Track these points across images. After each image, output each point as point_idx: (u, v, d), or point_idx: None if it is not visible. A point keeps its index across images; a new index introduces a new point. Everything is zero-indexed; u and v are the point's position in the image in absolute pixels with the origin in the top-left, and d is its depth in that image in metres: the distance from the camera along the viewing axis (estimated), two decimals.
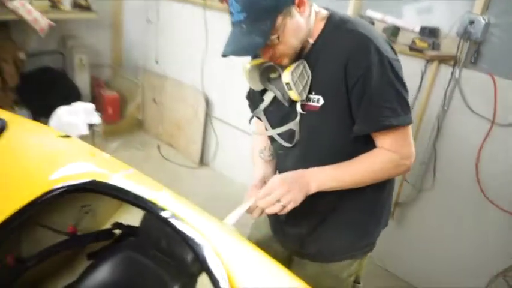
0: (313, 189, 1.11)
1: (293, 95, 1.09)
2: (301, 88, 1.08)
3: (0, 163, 1.26)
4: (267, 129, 1.26)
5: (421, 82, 2.15)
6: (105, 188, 1.15)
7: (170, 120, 3.75)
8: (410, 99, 2.11)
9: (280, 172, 1.29)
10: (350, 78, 1.04)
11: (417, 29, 2.12)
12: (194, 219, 1.08)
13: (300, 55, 1.11)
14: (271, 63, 1.14)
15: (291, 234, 1.32)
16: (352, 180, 1.13)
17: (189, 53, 3.38)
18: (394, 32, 2.21)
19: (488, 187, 2.04)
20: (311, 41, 1.10)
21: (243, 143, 3.04)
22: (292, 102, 1.14)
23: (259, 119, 1.30)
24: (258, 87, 1.20)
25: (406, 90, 1.09)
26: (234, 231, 1.11)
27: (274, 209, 1.08)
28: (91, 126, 1.71)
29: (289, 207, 1.08)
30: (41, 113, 3.41)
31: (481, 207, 2.06)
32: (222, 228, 1.10)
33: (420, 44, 2.07)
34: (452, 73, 2.02)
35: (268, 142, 1.34)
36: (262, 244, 1.37)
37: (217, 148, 3.46)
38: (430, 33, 2.06)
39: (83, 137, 1.69)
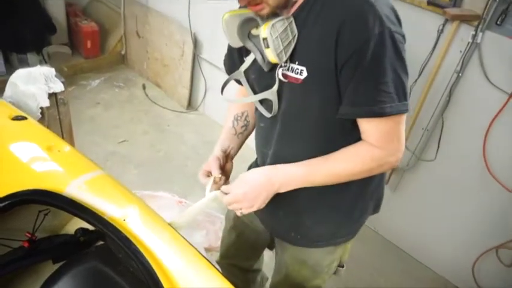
0: (281, 191, 1.00)
1: (270, 54, 0.89)
2: (282, 48, 0.89)
3: None
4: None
5: (436, 42, 1.88)
6: (59, 202, 0.98)
7: (155, 57, 3.44)
8: (420, 60, 1.94)
9: (259, 150, 1.17)
10: (341, 52, 0.85)
11: None
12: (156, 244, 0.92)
13: (287, 11, 0.92)
14: (253, 15, 0.94)
15: (270, 216, 1.21)
16: (325, 181, 0.99)
17: None
18: None
19: (494, 164, 1.88)
20: None
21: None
22: (273, 68, 0.96)
23: (238, 82, 1.14)
24: (236, 43, 1.00)
25: (406, 73, 0.89)
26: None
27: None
28: (53, 94, 1.46)
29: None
30: (10, 46, 3.10)
31: (484, 184, 1.93)
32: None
33: None
34: (474, 36, 1.75)
35: (247, 109, 1.21)
36: (241, 221, 1.36)
37: (206, 91, 3.21)
38: None
39: (45, 109, 1.44)
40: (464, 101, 1.91)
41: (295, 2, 0.92)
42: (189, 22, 2.96)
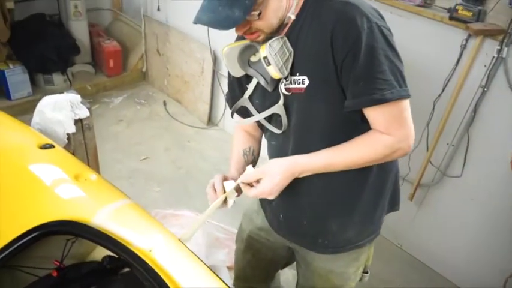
0: (301, 176, 1.05)
1: (272, 71, 0.98)
2: (282, 63, 0.97)
3: None
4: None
5: (459, 57, 1.84)
6: (86, 233, 0.99)
7: (175, 74, 3.49)
8: (444, 75, 1.91)
9: None
10: (338, 53, 0.92)
11: None
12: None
13: (279, 32, 1.00)
14: (250, 43, 1.03)
15: (294, 228, 1.23)
16: (343, 166, 1.03)
17: (193, 2, 3.01)
18: None
19: None
20: (293, 16, 0.98)
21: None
22: (276, 87, 1.04)
23: (241, 115, 1.20)
24: (238, 72, 1.08)
25: (400, 61, 0.95)
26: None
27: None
28: (79, 120, 1.49)
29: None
30: (36, 68, 3.20)
31: None
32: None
33: (463, 12, 1.73)
34: (499, 50, 1.71)
35: (251, 145, 1.26)
36: (254, 235, 1.38)
37: (226, 107, 3.23)
38: None
39: (71, 135, 1.48)
40: (490, 116, 1.86)
41: (286, 24, 1.00)
42: (209, 40, 2.99)
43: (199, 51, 3.14)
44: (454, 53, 1.85)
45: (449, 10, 1.81)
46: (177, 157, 3.01)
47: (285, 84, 1.02)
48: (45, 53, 3.12)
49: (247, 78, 1.11)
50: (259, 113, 1.11)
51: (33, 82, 3.26)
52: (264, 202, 1.32)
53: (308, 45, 0.96)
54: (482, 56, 1.79)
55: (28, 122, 1.54)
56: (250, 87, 1.12)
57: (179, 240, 1.03)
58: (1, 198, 1.11)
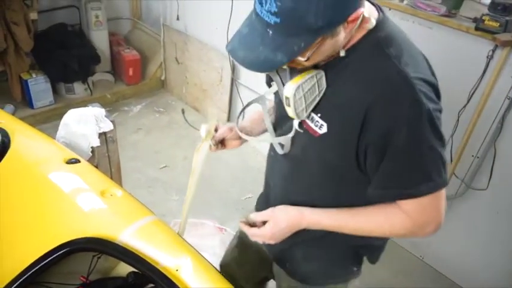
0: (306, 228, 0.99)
1: (290, 112, 0.86)
2: (303, 107, 0.85)
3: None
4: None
5: (485, 68, 1.80)
6: (113, 251, 1.00)
7: (194, 82, 3.51)
8: (469, 86, 1.87)
9: (266, 178, 1.18)
10: (369, 125, 0.80)
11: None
12: None
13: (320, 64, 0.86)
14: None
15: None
16: (352, 231, 0.95)
17: (213, 12, 3.03)
18: (456, 3, 1.83)
19: None
20: (342, 53, 0.83)
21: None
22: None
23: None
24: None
25: (444, 145, 0.83)
26: None
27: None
28: (103, 133, 1.51)
29: None
30: (58, 77, 3.26)
31: None
32: None
33: (490, 23, 1.69)
34: None
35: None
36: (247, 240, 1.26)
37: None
38: (504, 10, 1.67)
39: (95, 148, 1.49)
40: None
41: (332, 56, 0.84)
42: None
43: (218, 60, 3.15)
44: (479, 64, 1.81)
45: (475, 20, 1.78)
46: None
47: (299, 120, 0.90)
48: (67, 62, 3.17)
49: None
50: (276, 111, 1.05)
51: (54, 91, 3.31)
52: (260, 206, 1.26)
53: (344, 94, 0.83)
54: (509, 67, 1.74)
55: (50, 130, 1.57)
56: (272, 89, 1.01)
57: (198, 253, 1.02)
58: (30, 213, 1.13)
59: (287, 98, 0.84)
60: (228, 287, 0.97)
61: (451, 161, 2.03)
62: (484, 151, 1.94)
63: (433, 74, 0.87)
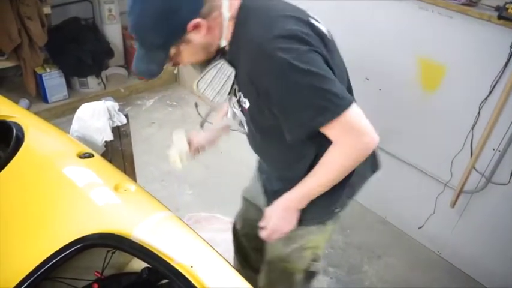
0: (299, 208, 1.15)
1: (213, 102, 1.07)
2: (216, 93, 1.04)
3: (10, 201, 1.11)
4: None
5: (508, 59, 1.74)
6: (127, 247, 0.98)
7: None
8: (491, 77, 1.80)
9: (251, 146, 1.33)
10: (256, 87, 0.97)
11: None
12: None
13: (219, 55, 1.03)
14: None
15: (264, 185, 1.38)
16: (321, 191, 1.09)
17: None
18: None
19: None
20: (223, 43, 1.00)
21: None
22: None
23: None
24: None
25: (326, 76, 0.91)
26: None
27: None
28: (116, 127, 1.50)
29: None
30: (72, 71, 3.27)
31: None
32: None
33: None
34: None
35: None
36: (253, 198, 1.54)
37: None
38: None
39: (108, 142, 1.48)
40: None
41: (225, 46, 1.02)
42: None
43: None
44: (502, 54, 1.75)
45: (497, 9, 1.71)
46: (208, 160, 3.00)
47: (234, 103, 1.11)
48: (81, 56, 3.18)
49: None
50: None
51: (68, 85, 3.33)
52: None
53: (242, 71, 0.99)
54: None
55: (65, 125, 1.56)
56: None
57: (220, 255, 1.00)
58: (44, 208, 1.12)
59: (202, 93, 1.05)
60: (243, 283, 0.95)
61: (471, 154, 1.97)
62: (505, 144, 1.88)
63: (300, 22, 0.95)
